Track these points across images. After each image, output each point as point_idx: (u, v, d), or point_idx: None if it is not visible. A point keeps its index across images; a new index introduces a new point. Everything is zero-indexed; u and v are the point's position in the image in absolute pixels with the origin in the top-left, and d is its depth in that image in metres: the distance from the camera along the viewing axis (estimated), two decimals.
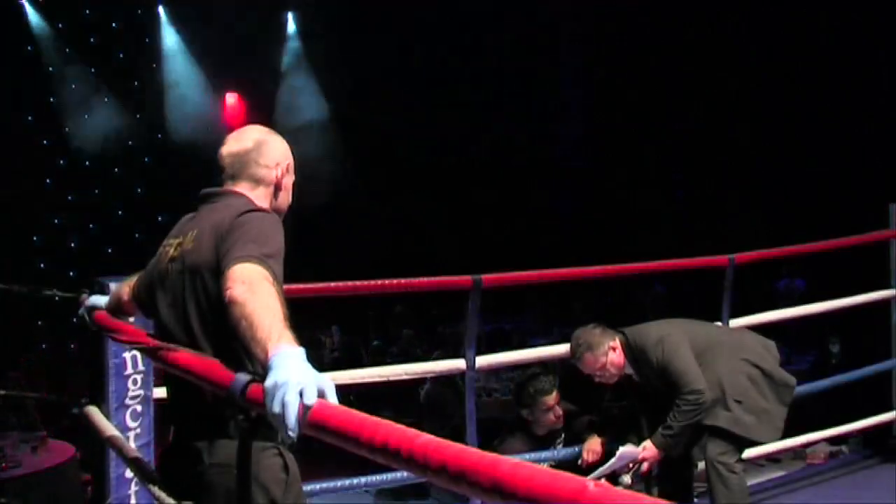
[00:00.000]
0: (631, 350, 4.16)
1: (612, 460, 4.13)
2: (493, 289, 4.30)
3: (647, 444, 4.07)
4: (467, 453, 1.30)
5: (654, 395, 4.23)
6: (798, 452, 5.73)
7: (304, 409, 1.65)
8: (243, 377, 1.88)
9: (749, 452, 4.48)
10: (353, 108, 14.44)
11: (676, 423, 3.98)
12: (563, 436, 4.72)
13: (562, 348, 4.60)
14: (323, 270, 4.93)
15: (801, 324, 7.72)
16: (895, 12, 11.18)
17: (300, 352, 1.81)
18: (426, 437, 1.39)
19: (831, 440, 5.74)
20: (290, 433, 1.67)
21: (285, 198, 2.61)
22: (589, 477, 3.92)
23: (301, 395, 1.66)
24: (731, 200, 13.42)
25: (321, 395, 1.68)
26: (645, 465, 4.10)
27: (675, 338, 4.11)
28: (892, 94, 11.39)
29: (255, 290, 2.06)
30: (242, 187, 2.53)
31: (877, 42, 11.64)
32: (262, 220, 2.33)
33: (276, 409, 1.68)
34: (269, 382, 1.73)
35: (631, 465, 4.13)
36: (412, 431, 1.43)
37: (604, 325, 4.21)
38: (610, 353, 4.13)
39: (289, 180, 2.61)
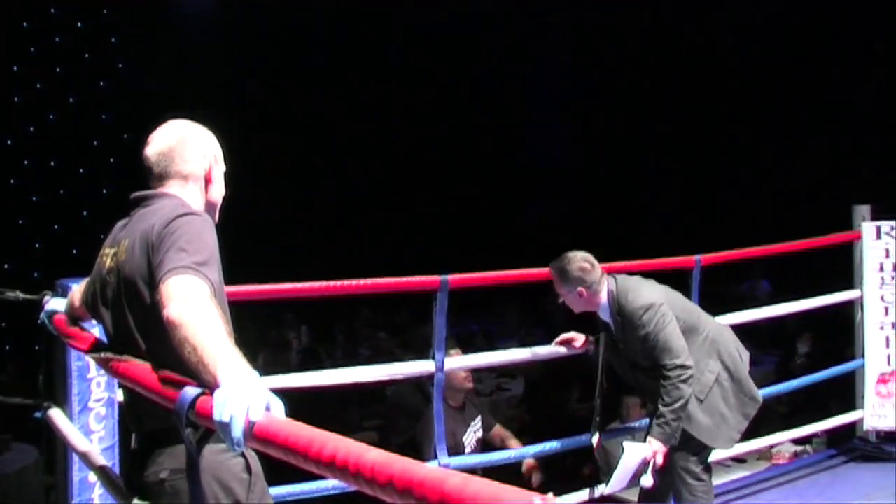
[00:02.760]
0: (617, 301, 4.04)
1: (621, 466, 4.02)
2: (460, 290, 4.29)
3: (651, 439, 3.94)
4: (415, 469, 1.30)
5: (628, 358, 4.16)
6: (763, 452, 5.77)
7: (250, 423, 1.66)
8: (191, 391, 1.86)
9: (714, 455, 4.48)
10: (349, 106, 14.45)
11: (666, 409, 3.86)
12: (479, 417, 4.79)
13: (531, 352, 4.62)
14: (307, 270, 4.90)
15: (766, 324, 7.78)
16: (862, 17, 11.30)
17: (251, 371, 1.82)
18: (374, 452, 1.39)
19: (796, 440, 5.79)
20: (236, 447, 1.68)
21: (218, 190, 2.56)
22: (607, 489, 3.88)
23: (248, 409, 1.67)
24: (698, 202, 13.51)
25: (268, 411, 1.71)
26: (659, 459, 3.93)
27: (666, 308, 3.97)
28: (857, 96, 11.51)
29: (193, 310, 2.01)
30: (173, 187, 2.47)
31: (842, 45, 11.76)
32: (191, 224, 2.25)
33: (225, 419, 1.68)
34: (218, 394, 1.74)
35: (641, 466, 4.05)
36: (360, 446, 1.43)
37: (594, 263, 4.09)
38: (575, 294, 4.06)
39: (218, 171, 2.55)
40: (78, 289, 2.82)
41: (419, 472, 1.28)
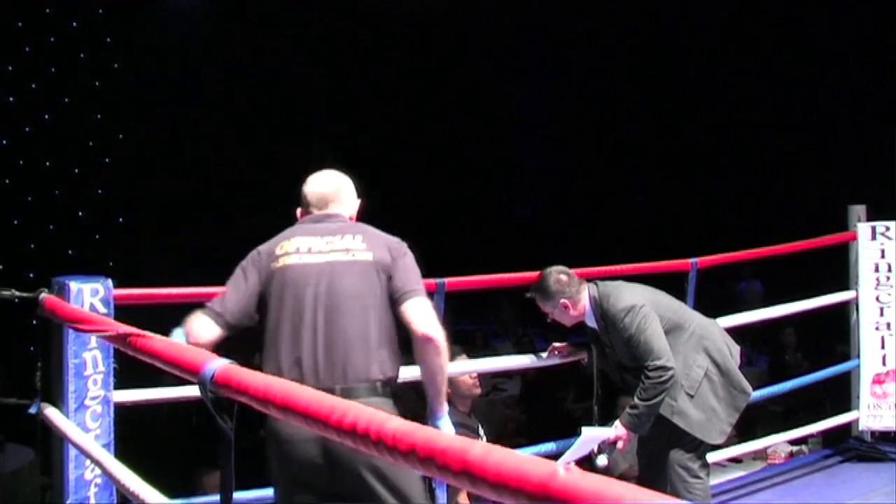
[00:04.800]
0: (600, 306, 4.11)
1: (577, 443, 4.10)
2: (456, 292, 4.30)
3: (617, 423, 4.04)
4: (437, 437, 1.30)
5: (615, 361, 4.20)
6: (759, 452, 5.78)
7: None
8: (214, 364, 1.90)
9: (711, 455, 4.48)
10: (344, 106, 14.49)
11: (641, 402, 3.94)
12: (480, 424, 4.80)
13: (526, 358, 4.64)
14: None
15: (759, 324, 7.81)
16: (859, 18, 11.32)
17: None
18: (396, 421, 1.40)
19: (792, 440, 5.80)
20: None
21: None
22: (558, 461, 3.99)
23: None
24: (693, 202, 13.52)
25: None
26: (620, 444, 4.05)
27: (647, 309, 4.03)
28: (853, 97, 11.52)
29: (444, 350, 2.95)
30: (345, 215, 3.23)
31: (838, 45, 11.78)
32: (412, 257, 3.11)
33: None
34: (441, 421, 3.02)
35: (599, 446, 4.10)
36: (382, 414, 1.43)
37: (570, 274, 4.15)
38: (560, 308, 4.11)
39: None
40: (201, 326, 3.03)
41: (442, 441, 1.29)
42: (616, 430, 4.04)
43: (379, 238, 3.09)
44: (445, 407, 2.97)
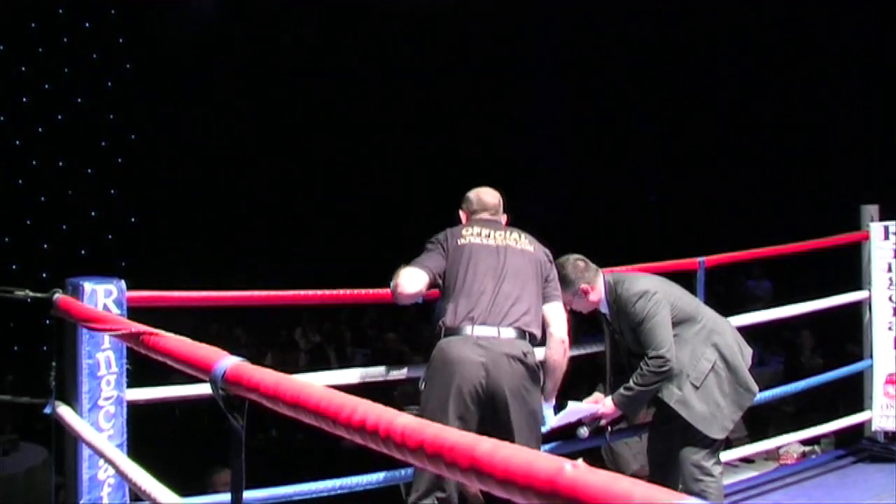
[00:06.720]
0: (613, 291, 4.15)
1: (562, 414, 4.11)
2: None
3: (607, 400, 4.10)
4: (445, 434, 1.31)
5: (625, 347, 4.22)
6: (771, 453, 5.75)
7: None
8: (225, 362, 1.92)
9: (723, 455, 4.46)
10: (351, 108, 14.51)
11: (636, 386, 3.99)
12: None
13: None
14: (309, 275, 4.93)
15: (771, 323, 7.79)
16: (869, 17, 11.28)
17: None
18: (405, 417, 1.40)
19: (804, 440, 5.78)
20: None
21: None
22: (542, 428, 4.02)
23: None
24: (703, 201, 13.48)
25: None
26: (603, 421, 4.13)
27: (659, 297, 4.07)
28: (865, 96, 11.48)
29: (568, 351, 3.81)
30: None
31: (848, 44, 11.74)
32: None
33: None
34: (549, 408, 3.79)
35: (583, 419, 4.14)
36: (391, 411, 1.44)
37: (587, 261, 4.19)
38: (580, 293, 4.12)
39: None
40: (426, 269, 3.74)
41: (450, 438, 1.30)
42: (604, 406, 4.10)
43: (535, 241, 3.91)
44: (554, 396, 3.82)
